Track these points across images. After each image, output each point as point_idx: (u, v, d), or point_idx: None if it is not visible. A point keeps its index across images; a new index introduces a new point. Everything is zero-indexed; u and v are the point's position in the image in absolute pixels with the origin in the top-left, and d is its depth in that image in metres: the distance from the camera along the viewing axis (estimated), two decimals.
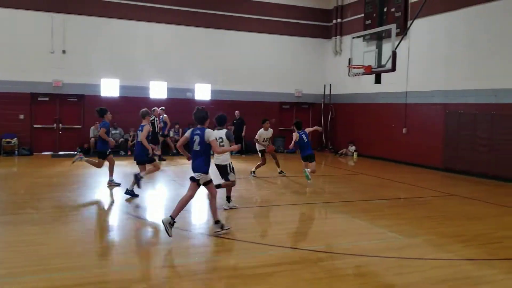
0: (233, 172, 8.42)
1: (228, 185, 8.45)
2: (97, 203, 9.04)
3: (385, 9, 15.64)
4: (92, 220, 7.55)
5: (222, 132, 8.32)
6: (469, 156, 13.40)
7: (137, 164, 9.67)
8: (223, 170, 8.44)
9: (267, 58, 19.59)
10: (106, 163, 10.74)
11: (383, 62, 12.16)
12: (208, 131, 6.61)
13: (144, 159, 9.50)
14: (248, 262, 5.44)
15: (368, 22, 17.36)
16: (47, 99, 16.79)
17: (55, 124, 16.96)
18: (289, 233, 6.83)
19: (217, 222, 6.65)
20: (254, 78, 19.38)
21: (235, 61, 19.04)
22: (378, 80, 12.69)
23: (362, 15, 17.96)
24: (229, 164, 8.40)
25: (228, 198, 8.54)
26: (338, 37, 19.95)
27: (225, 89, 18.94)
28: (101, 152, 10.47)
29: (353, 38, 13.49)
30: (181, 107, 18.22)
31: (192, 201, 9.61)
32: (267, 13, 19.54)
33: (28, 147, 16.18)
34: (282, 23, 19.84)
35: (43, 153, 16.53)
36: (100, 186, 10.87)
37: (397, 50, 11.70)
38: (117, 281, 4.81)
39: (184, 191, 10.32)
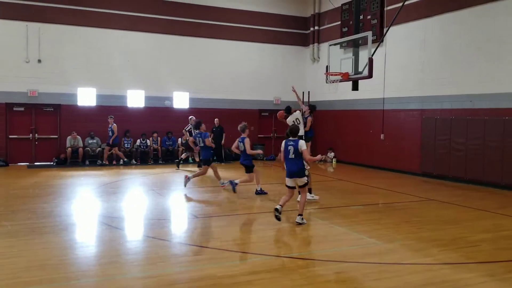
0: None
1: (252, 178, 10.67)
2: (74, 214, 8.86)
3: (361, 17, 15.84)
4: (69, 231, 7.39)
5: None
6: (446, 161, 13.63)
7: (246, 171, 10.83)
8: (248, 168, 10.70)
9: (245, 65, 19.64)
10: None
11: (360, 69, 12.29)
12: (301, 142, 7.81)
13: (250, 164, 10.79)
14: (227, 270, 5.40)
15: (345, 29, 17.58)
16: (22, 109, 16.44)
17: (30, 134, 16.61)
18: (269, 240, 6.81)
19: (300, 214, 7.89)
20: (233, 86, 19.39)
21: (214, 69, 19.03)
22: (355, 87, 12.82)
23: (339, 22, 18.19)
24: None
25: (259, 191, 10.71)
26: (315, 44, 20.14)
27: (204, 97, 18.90)
28: (206, 160, 11.56)
29: (330, 45, 13.60)
30: (159, 116, 18.12)
31: (173, 211, 9.55)
32: (245, 21, 19.61)
33: (3, 158, 15.81)
34: (260, 31, 19.94)
35: (18, 164, 16.17)
36: (77, 196, 10.69)
37: (373, 57, 11.84)
38: None
39: (162, 200, 10.27)
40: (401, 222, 8.25)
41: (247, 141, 10.73)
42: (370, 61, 11.57)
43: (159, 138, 17.93)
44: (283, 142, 7.91)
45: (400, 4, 13.01)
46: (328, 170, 16.83)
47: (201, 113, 18.25)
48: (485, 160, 12.44)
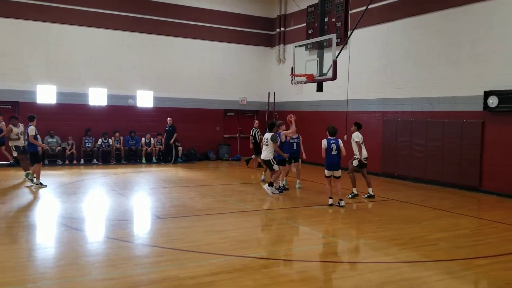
0: (275, 164, 10.94)
1: (276, 174, 10.98)
2: (31, 215, 8.56)
3: (326, 19, 16.04)
4: (26, 233, 7.13)
5: (268, 135, 11.09)
6: (406, 162, 14.00)
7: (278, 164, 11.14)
8: (268, 163, 11.04)
9: (211, 65, 19.53)
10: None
11: (324, 71, 12.46)
12: (340, 140, 9.87)
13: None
14: (190, 271, 5.34)
15: (310, 31, 17.78)
16: None
17: None
18: (231, 241, 6.79)
19: (341, 199, 9.67)
20: (198, 85, 19.25)
21: (178, 68, 18.83)
22: (320, 88, 12.99)
23: (305, 24, 18.37)
24: (272, 159, 10.91)
25: (271, 184, 10.81)
26: (281, 45, 20.27)
27: (168, 96, 18.66)
28: (280, 161, 11.50)
29: (295, 46, 13.73)
30: (122, 115, 17.78)
31: (135, 212, 9.38)
32: (211, 20, 19.51)
33: None
34: (227, 31, 19.89)
35: None
36: (35, 197, 10.34)
37: (338, 59, 12.03)
38: None
39: (125, 200, 10.07)
40: (363, 222, 8.41)
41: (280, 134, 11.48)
42: (334, 63, 11.75)
43: (121, 138, 17.57)
44: (326, 140, 9.88)
45: (364, 8, 13.27)
46: (292, 170, 16.92)
47: (166, 113, 18.04)
48: (443, 161, 12.85)
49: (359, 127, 11.28)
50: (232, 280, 5.10)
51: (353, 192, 10.94)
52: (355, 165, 10.87)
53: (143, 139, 17.92)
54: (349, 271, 5.60)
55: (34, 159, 11.40)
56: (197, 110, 19.19)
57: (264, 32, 20.80)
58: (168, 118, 17.64)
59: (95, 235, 7.32)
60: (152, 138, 18.08)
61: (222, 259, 5.86)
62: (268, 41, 20.88)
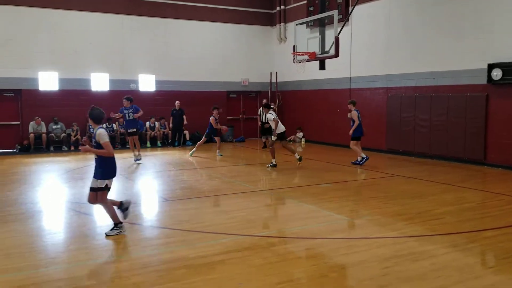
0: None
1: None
2: (40, 201, 8.67)
3: None
4: (35, 219, 7.22)
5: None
6: (411, 138, 13.99)
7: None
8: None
9: (212, 47, 19.40)
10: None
11: (326, 48, 12.38)
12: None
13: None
14: (199, 251, 5.42)
15: (311, 8, 17.56)
16: None
17: None
18: (239, 221, 6.85)
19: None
20: (200, 67, 19.16)
21: (180, 50, 18.73)
22: (322, 66, 12.92)
23: (305, 1, 18.14)
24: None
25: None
26: (282, 24, 20.07)
27: (170, 80, 18.62)
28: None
29: (296, 25, 13.61)
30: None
31: (143, 195, 9.45)
32: (211, 0, 19.31)
33: None
34: (226, 11, 19.70)
35: None
36: (42, 183, 10.44)
37: (339, 36, 11.94)
38: (65, 279, 4.66)
39: (132, 184, 10.15)
40: (368, 198, 8.46)
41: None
42: (336, 40, 11.66)
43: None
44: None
45: None
46: (297, 150, 16.95)
47: (168, 96, 18.02)
48: (448, 135, 12.83)
49: (269, 108, 12.63)
50: (241, 259, 5.17)
51: (272, 163, 12.10)
52: (274, 140, 12.05)
53: (147, 123, 17.94)
54: (356, 247, 5.66)
55: None
56: (200, 92, 19.15)
57: (264, 11, 20.59)
58: (176, 102, 17.64)
59: (103, 219, 7.39)
60: (156, 122, 18.10)
61: (230, 239, 5.94)
62: (269, 20, 20.68)
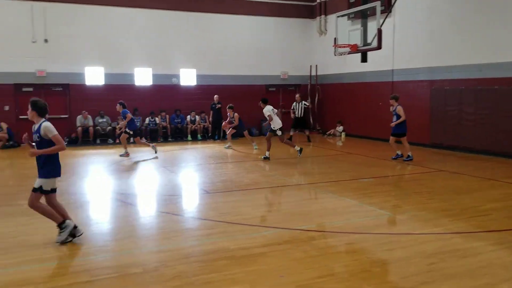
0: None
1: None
2: (88, 191, 9.02)
3: None
4: (84, 209, 7.54)
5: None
6: (456, 132, 13.56)
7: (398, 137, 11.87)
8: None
9: (251, 40, 19.45)
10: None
11: (368, 41, 12.19)
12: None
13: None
14: (240, 243, 5.50)
15: (352, 0, 17.28)
16: (31, 89, 16.49)
17: None
18: (280, 214, 6.90)
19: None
20: (239, 61, 19.26)
21: (220, 44, 18.89)
22: (364, 59, 12.74)
23: None
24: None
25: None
26: (322, 16, 19.86)
27: (211, 74, 18.82)
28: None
29: (337, 17, 13.46)
30: (167, 94, 18.13)
31: (184, 187, 9.66)
32: None
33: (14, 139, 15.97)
34: (266, 4, 19.68)
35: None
36: (90, 174, 10.86)
37: (382, 28, 11.72)
38: (114, 267, 4.85)
39: (174, 176, 10.40)
40: (412, 193, 8.30)
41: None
42: (379, 32, 11.46)
43: (167, 116, 17.99)
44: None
45: None
46: (337, 144, 16.84)
47: (208, 90, 18.22)
48: (495, 129, 12.36)
49: (266, 102, 12.68)
50: (282, 252, 5.22)
51: (297, 149, 12.49)
52: (280, 135, 12.26)
53: (188, 117, 18.25)
54: (399, 242, 5.58)
55: None
56: (239, 86, 19.27)
57: (304, 3, 20.42)
58: (215, 96, 17.84)
59: (148, 209, 7.63)
60: (196, 116, 18.39)
61: (271, 232, 5.99)
62: (309, 13, 20.51)
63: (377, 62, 15.44)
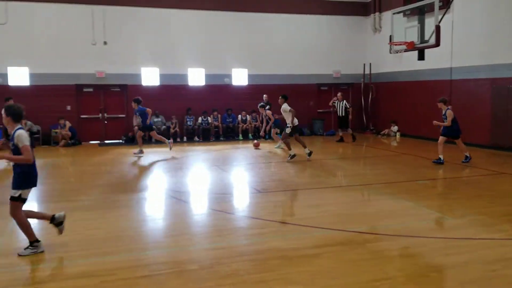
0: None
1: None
2: (144, 188, 9.32)
3: None
4: (141, 205, 7.81)
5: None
6: None
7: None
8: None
9: (304, 39, 19.32)
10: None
11: (426, 38, 11.79)
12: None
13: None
14: (293, 243, 5.49)
15: None
16: (91, 90, 17.31)
17: (100, 114, 17.51)
18: (332, 215, 6.82)
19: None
20: (291, 60, 19.19)
21: (272, 44, 18.91)
22: (421, 57, 12.32)
23: None
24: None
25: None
26: (377, 13, 19.40)
27: (262, 73, 18.89)
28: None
29: (393, 14, 13.12)
30: (219, 93, 18.39)
31: (236, 186, 9.75)
32: None
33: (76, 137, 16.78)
34: (319, 3, 19.49)
35: (90, 142, 17.11)
36: (146, 172, 11.21)
37: (440, 24, 11.30)
38: (170, 263, 4.98)
39: (225, 175, 10.54)
40: (471, 197, 7.94)
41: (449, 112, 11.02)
42: (437, 28, 11.07)
43: (219, 116, 18.25)
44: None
45: None
46: (391, 144, 16.42)
47: (259, 90, 18.28)
48: None
49: (286, 98, 12.26)
50: (335, 253, 5.16)
51: (290, 155, 12.02)
52: (288, 132, 12.06)
53: (239, 116, 18.43)
54: (458, 247, 5.37)
55: None
56: (290, 85, 19.18)
57: (357, 0, 20.05)
58: (264, 95, 17.89)
59: (201, 207, 7.79)
60: (248, 115, 18.53)
61: (324, 233, 5.94)
62: (362, 10, 20.11)
63: (435, 60, 14.88)
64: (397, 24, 12.85)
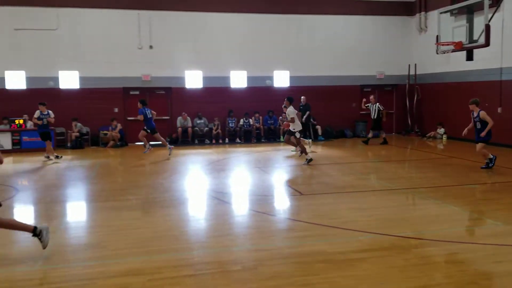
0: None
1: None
2: (188, 189, 9.50)
3: None
4: (185, 205, 7.96)
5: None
6: None
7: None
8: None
9: (346, 40, 19.10)
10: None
11: (475, 37, 11.39)
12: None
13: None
14: (337, 247, 5.44)
15: None
16: (137, 92, 17.81)
17: None
18: (377, 219, 6.70)
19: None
20: (333, 62, 19.02)
21: (313, 46, 18.81)
22: (470, 57, 11.91)
23: None
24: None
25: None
26: (422, 13, 18.92)
27: (304, 75, 18.81)
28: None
29: (440, 13, 12.74)
30: (260, 95, 18.47)
31: (279, 188, 9.76)
32: None
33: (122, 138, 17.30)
34: (361, 3, 19.22)
35: (136, 143, 17.57)
36: (189, 173, 11.42)
37: (490, 23, 10.89)
38: (215, 263, 5.05)
39: (267, 177, 10.56)
40: None
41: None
42: (487, 27, 10.68)
43: (261, 117, 18.33)
44: None
45: None
46: (437, 147, 15.96)
47: (301, 91, 18.19)
48: None
49: (291, 101, 12.06)
50: (381, 258, 5.07)
51: (307, 159, 11.75)
52: (298, 137, 11.91)
53: (280, 118, 18.43)
54: (509, 255, 5.16)
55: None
56: (332, 87, 19.04)
57: (402, 0, 19.63)
58: (302, 97, 17.82)
59: (243, 208, 7.84)
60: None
61: (369, 237, 5.85)
62: (407, 10, 19.66)
63: (484, 60, 14.35)
64: (444, 24, 12.48)
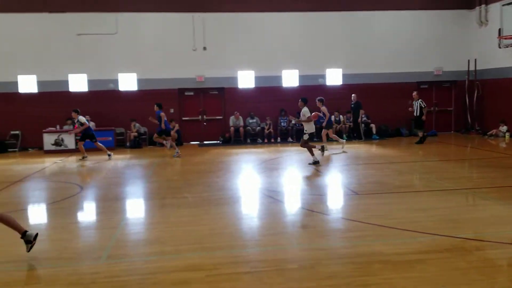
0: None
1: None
2: (242, 187, 9.61)
3: None
4: (239, 203, 8.07)
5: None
6: None
7: None
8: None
9: (401, 36, 18.57)
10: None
11: None
12: None
13: None
14: (395, 248, 5.32)
15: None
16: (192, 93, 18.24)
17: (200, 116, 18.37)
18: (437, 220, 6.48)
19: None
20: (388, 58, 18.54)
21: (366, 42, 18.44)
22: None
23: None
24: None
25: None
26: (483, 6, 18.03)
27: (357, 72, 18.49)
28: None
29: (502, 5, 12.16)
30: (312, 94, 18.29)
31: (332, 187, 9.67)
32: None
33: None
34: None
35: (191, 142, 18.01)
36: (243, 172, 11.55)
37: None
38: (270, 261, 5.09)
39: (320, 175, 10.49)
40: None
41: None
42: None
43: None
44: None
45: None
46: (500, 145, 15.20)
47: (354, 89, 17.89)
48: None
49: (306, 102, 11.75)
50: (442, 260, 4.91)
51: (313, 160, 11.45)
52: (306, 139, 11.60)
53: (332, 116, 18.20)
54: None
55: None
56: (387, 84, 18.58)
57: None
58: (353, 95, 17.53)
59: (297, 207, 7.84)
60: (341, 116, 18.26)
61: (429, 238, 5.68)
62: (466, 3, 18.82)
63: None
64: (507, 17, 11.89)
